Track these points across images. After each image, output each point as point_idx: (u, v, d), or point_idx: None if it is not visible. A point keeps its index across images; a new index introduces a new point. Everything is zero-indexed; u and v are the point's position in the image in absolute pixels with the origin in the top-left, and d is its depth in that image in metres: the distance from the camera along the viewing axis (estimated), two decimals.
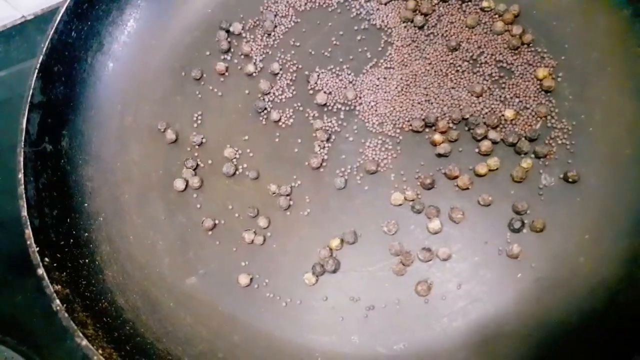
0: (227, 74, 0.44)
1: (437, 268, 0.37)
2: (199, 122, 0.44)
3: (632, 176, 0.36)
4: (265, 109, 0.42)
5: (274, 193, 0.40)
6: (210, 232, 0.41)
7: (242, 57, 0.44)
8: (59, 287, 0.36)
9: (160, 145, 0.44)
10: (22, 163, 0.38)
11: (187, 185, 0.42)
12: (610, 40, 0.40)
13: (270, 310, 0.38)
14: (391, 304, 0.37)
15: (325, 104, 0.41)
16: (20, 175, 0.38)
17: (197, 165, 0.42)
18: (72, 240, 0.40)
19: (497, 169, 0.37)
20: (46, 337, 0.46)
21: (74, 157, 0.43)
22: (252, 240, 0.39)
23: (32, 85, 0.40)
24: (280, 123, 0.42)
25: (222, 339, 0.38)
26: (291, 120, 0.42)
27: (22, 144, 0.38)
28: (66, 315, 0.34)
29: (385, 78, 0.41)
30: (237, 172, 0.42)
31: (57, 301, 0.35)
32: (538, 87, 0.39)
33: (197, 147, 0.43)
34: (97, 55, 0.45)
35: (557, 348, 0.34)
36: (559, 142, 0.38)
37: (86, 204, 0.42)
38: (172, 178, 0.42)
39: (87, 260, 0.40)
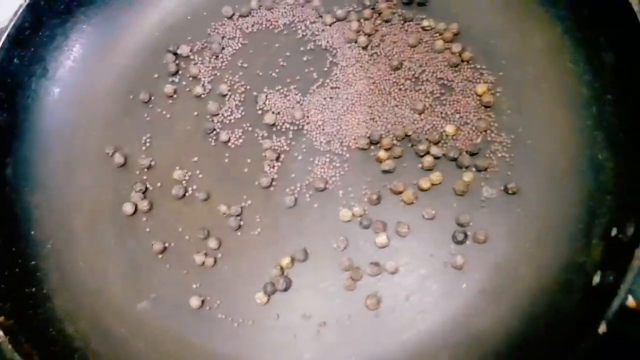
0: (175, 96, 0.45)
1: (385, 282, 0.38)
2: (148, 144, 0.44)
3: (568, 186, 0.38)
4: (214, 130, 0.43)
5: (224, 214, 0.40)
6: (160, 256, 0.41)
7: (190, 79, 0.46)
8: (3, 318, 0.35)
9: (109, 170, 0.44)
10: None
11: (136, 209, 0.42)
12: (544, 56, 0.42)
13: (223, 332, 0.39)
14: (342, 319, 0.38)
15: (273, 124, 0.42)
16: None
17: (146, 188, 0.43)
18: (17, 270, 0.39)
19: (440, 183, 0.39)
20: None
21: (19, 185, 0.42)
22: (203, 262, 0.40)
23: None
24: (229, 144, 0.43)
25: None
26: (240, 140, 0.43)
27: None
28: (10, 347, 0.34)
29: (331, 98, 0.42)
30: (187, 194, 0.42)
31: (1, 332, 0.34)
32: (478, 102, 0.41)
33: (145, 170, 0.43)
34: (42, 81, 0.45)
35: (503, 356, 0.35)
36: (499, 155, 0.40)
37: (33, 232, 0.42)
38: (122, 202, 0.42)
39: (34, 289, 0.39)
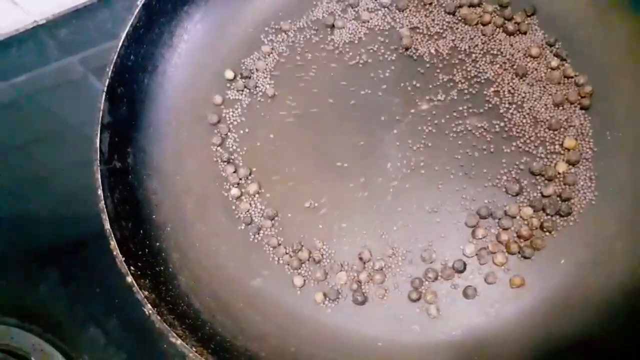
0: (276, 93, 0.49)
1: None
2: (248, 132, 0.49)
3: None
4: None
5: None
6: (268, 237, 0.45)
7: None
8: (147, 292, 0.38)
9: (214, 158, 0.48)
10: (99, 180, 0.41)
11: (241, 193, 0.46)
12: (627, 42, 0.44)
13: (330, 308, 0.43)
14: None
15: None
16: (100, 192, 0.41)
17: (251, 171, 0.47)
18: (147, 250, 0.42)
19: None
20: (70, 325, 0.50)
21: (139, 172, 0.46)
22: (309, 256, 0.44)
23: (102, 107, 0.43)
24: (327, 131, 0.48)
25: (291, 334, 0.42)
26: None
27: (98, 162, 0.41)
28: (158, 317, 0.37)
29: None
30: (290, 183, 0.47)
31: (149, 305, 0.37)
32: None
33: (246, 156, 0.48)
34: (153, 76, 0.48)
35: (604, 326, 0.39)
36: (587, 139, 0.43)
37: (154, 216, 0.45)
38: (228, 187, 0.47)
39: (162, 268, 0.43)
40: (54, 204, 0.55)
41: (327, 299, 0.42)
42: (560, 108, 0.44)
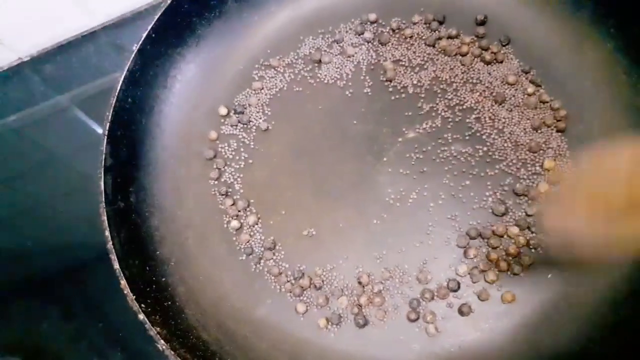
0: (269, 127, 0.52)
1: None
2: (244, 166, 0.51)
3: None
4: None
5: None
6: (269, 267, 0.47)
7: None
8: (159, 328, 0.39)
9: (213, 192, 0.50)
10: (106, 222, 0.42)
11: (241, 225, 0.48)
12: (598, 70, 0.48)
13: (333, 332, 0.44)
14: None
15: None
16: (107, 233, 0.42)
17: (249, 203, 0.49)
18: (154, 286, 0.44)
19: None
20: None
21: (141, 210, 0.47)
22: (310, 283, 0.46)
23: (104, 150, 0.44)
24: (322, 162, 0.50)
25: None
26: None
27: (104, 203, 0.43)
28: (172, 352, 0.38)
29: None
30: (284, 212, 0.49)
31: (162, 341, 0.38)
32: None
33: (244, 190, 0.50)
34: (150, 117, 0.49)
35: (593, 335, 0.41)
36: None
37: (158, 252, 0.46)
38: (227, 220, 0.48)
39: (169, 303, 0.44)
40: (47, 238, 0.57)
41: (330, 323, 0.44)
42: (539, 131, 0.47)
